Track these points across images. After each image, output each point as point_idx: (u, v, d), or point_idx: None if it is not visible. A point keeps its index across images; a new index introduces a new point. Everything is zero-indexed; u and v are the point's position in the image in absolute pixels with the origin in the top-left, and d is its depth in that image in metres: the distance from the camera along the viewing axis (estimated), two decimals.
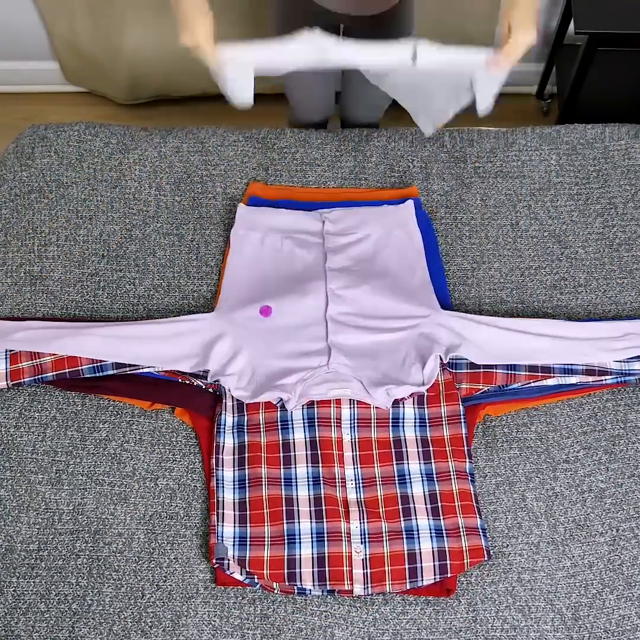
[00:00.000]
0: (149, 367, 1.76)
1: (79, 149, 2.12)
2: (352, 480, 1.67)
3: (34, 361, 1.76)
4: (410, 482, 1.68)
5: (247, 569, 1.57)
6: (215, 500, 1.65)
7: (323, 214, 2.04)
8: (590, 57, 2.37)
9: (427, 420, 1.75)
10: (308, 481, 1.67)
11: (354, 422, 1.73)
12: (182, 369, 1.76)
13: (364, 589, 1.56)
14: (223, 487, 1.67)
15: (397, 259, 1.96)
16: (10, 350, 1.77)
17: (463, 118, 2.89)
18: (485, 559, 1.58)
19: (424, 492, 1.66)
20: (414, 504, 1.64)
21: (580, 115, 2.64)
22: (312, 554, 1.59)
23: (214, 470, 1.68)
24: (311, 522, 1.62)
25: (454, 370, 1.78)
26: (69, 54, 2.83)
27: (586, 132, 2.16)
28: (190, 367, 1.76)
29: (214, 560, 1.57)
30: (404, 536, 1.61)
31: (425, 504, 1.65)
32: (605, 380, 1.77)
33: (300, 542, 1.60)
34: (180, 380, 1.77)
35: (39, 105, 3.01)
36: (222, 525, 1.62)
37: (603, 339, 1.80)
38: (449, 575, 1.57)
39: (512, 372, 1.76)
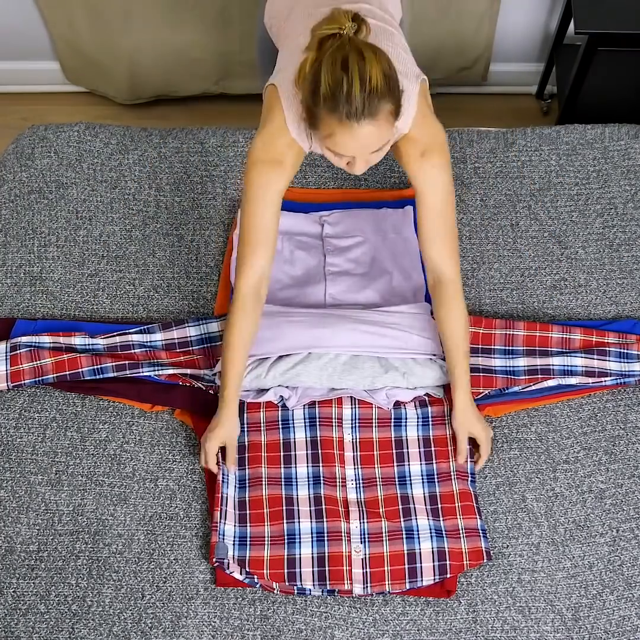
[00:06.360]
0: (149, 371, 1.76)
1: (79, 149, 2.12)
2: (352, 480, 1.67)
3: (35, 363, 1.76)
4: (411, 483, 1.68)
5: (247, 569, 1.57)
6: (220, 495, 1.64)
7: (322, 217, 2.04)
8: (590, 57, 2.36)
9: (429, 419, 1.75)
10: (308, 481, 1.67)
11: (356, 422, 1.73)
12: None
13: (364, 588, 1.56)
14: (227, 482, 1.66)
15: (392, 263, 1.97)
16: (11, 352, 1.77)
17: (463, 118, 2.91)
18: (485, 561, 1.58)
19: (424, 493, 1.67)
20: (414, 504, 1.64)
21: (580, 115, 2.64)
22: (312, 553, 1.59)
23: (220, 464, 1.68)
24: (311, 521, 1.62)
25: None
26: (69, 54, 2.83)
27: (586, 133, 2.15)
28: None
29: (214, 560, 1.57)
30: (404, 536, 1.61)
31: (425, 505, 1.65)
32: (605, 381, 1.77)
33: (300, 542, 1.60)
34: (180, 383, 1.77)
35: (39, 105, 3.00)
36: (225, 523, 1.61)
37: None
38: (448, 575, 1.57)
39: (512, 376, 1.76)
